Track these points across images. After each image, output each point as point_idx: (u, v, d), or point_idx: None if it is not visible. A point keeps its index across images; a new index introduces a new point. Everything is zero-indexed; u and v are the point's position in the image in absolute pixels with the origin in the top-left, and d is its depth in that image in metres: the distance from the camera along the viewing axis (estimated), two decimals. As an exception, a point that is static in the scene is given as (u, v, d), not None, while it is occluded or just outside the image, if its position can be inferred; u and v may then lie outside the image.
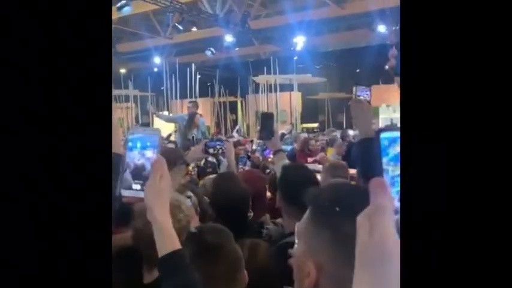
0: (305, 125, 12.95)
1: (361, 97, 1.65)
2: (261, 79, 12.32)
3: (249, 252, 1.36)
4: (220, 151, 2.09)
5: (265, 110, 12.24)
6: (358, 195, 0.67)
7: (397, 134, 0.46)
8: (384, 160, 0.46)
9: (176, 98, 11.98)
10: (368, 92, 1.71)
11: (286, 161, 1.95)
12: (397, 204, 0.47)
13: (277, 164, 1.92)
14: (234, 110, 13.91)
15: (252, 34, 12.25)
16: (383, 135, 0.46)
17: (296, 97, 12.69)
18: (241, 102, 13.94)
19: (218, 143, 2.12)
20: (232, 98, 13.81)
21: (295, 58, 12.34)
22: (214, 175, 2.65)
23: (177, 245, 0.90)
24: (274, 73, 11.65)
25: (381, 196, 0.42)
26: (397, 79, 0.68)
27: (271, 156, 3.74)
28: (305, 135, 6.90)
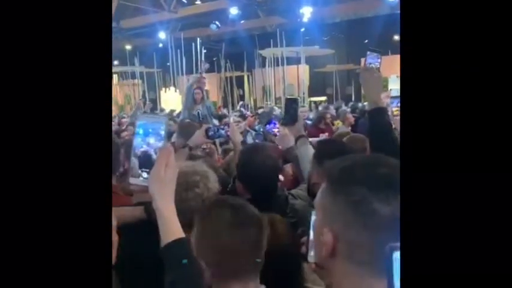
0: (313, 99, 12.83)
1: (372, 65, 1.60)
2: (268, 52, 12.15)
3: (270, 227, 1.36)
4: (223, 133, 2.05)
5: (272, 84, 12.14)
6: (369, 165, 0.70)
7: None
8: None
9: (182, 74, 11.91)
10: (379, 60, 1.64)
11: (309, 147, 1.92)
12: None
13: (300, 149, 1.90)
14: (240, 84, 13.81)
15: (257, 6, 12.01)
16: (395, 255, 0.49)
17: (303, 70, 12.53)
18: (248, 76, 13.82)
19: (220, 127, 2.09)
20: (238, 73, 13.69)
21: (302, 30, 12.11)
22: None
23: (181, 234, 0.89)
24: (281, 46, 11.47)
25: None
26: None
27: (276, 129, 3.66)
28: (323, 109, 6.81)
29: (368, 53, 1.64)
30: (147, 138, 0.89)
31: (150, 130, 0.88)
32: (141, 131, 0.88)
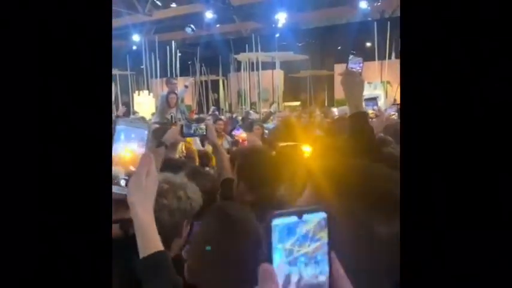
0: (287, 103, 12.93)
1: (354, 69, 1.58)
2: (243, 57, 12.17)
3: None
4: (199, 132, 1.95)
5: (247, 89, 12.16)
6: (368, 178, 0.61)
7: (293, 219, 0.44)
8: (280, 246, 0.43)
9: (156, 77, 11.77)
10: (361, 64, 1.61)
11: None
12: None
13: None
14: (215, 89, 13.77)
15: (233, 10, 12.03)
16: (275, 222, 0.43)
17: (278, 75, 12.62)
18: (223, 81, 13.80)
19: (195, 125, 1.98)
20: (213, 77, 13.64)
21: (277, 35, 12.21)
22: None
23: (160, 246, 0.86)
24: (256, 51, 11.52)
25: (266, 284, 0.41)
26: None
27: (241, 134, 3.67)
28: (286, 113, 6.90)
29: (350, 57, 1.60)
30: (128, 145, 0.83)
31: (133, 136, 0.83)
32: (122, 137, 0.83)
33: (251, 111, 8.20)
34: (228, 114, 7.71)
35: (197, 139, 3.95)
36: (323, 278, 0.45)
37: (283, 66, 13.16)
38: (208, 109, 12.01)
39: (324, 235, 0.45)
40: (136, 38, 13.10)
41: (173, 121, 4.78)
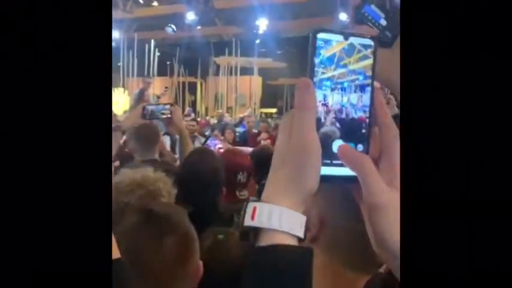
0: (264, 110, 12.99)
1: None
2: (222, 61, 12.18)
3: (218, 244, 1.22)
4: (163, 116, 1.76)
5: (225, 93, 12.14)
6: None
7: (334, 37, 0.45)
8: (316, 61, 0.44)
9: (133, 75, 11.62)
10: None
11: None
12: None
13: None
14: (193, 91, 13.70)
15: (215, 13, 12.03)
16: (320, 35, 0.44)
17: (256, 81, 12.68)
18: (201, 83, 13.75)
19: (161, 106, 1.79)
20: (192, 79, 13.58)
21: (257, 42, 12.28)
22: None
23: (116, 253, 0.77)
24: (236, 55, 11.55)
25: (304, 96, 0.42)
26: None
27: (219, 146, 3.66)
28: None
29: None
30: None
31: None
32: None
33: (226, 114, 8.19)
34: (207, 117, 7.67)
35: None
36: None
37: (262, 72, 13.23)
38: (184, 111, 11.91)
39: (366, 64, 0.45)
40: (115, 34, 12.90)
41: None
